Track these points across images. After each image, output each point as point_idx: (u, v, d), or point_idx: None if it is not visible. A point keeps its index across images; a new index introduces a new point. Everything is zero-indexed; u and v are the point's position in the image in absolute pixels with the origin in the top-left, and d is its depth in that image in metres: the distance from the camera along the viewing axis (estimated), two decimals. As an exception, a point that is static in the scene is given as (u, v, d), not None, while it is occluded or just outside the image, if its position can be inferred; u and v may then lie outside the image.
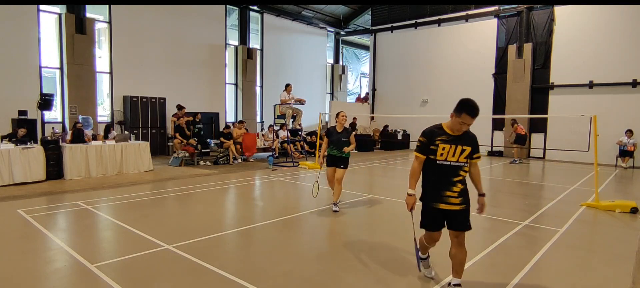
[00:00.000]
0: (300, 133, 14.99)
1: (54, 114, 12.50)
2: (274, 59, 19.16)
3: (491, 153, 17.10)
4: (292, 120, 12.93)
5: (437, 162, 3.40)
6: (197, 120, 12.88)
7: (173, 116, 12.62)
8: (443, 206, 3.43)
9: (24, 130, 9.18)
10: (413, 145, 19.61)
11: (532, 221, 6.23)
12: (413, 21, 19.68)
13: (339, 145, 6.54)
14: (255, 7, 17.97)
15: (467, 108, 3.30)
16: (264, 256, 4.56)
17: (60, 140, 9.57)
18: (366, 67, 26.22)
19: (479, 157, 3.52)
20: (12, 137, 9.15)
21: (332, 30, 22.63)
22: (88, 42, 12.57)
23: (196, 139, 12.42)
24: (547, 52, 15.92)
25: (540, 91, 16.16)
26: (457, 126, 3.35)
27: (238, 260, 4.49)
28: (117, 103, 13.76)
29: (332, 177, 6.63)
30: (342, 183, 6.66)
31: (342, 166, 6.55)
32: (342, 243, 5.06)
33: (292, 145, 14.15)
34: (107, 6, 13.36)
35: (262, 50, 18.61)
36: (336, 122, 6.63)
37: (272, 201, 7.82)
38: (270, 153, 13.95)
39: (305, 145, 15.34)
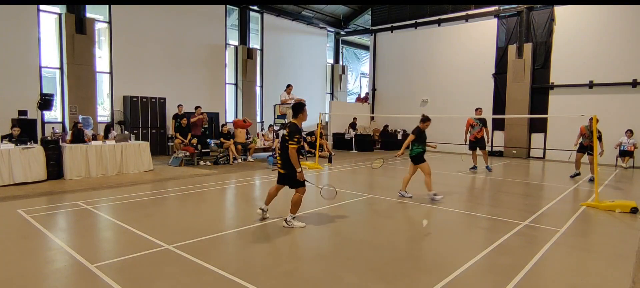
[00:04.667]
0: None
1: (54, 114, 12.50)
2: (274, 59, 19.16)
3: (491, 153, 17.11)
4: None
5: None
6: (205, 125, 12.94)
7: (190, 118, 12.54)
8: None
9: (18, 129, 9.18)
10: (413, 145, 19.63)
11: (532, 221, 6.23)
12: (413, 21, 19.68)
13: (425, 142, 7.82)
14: (255, 7, 17.98)
15: None
16: (264, 256, 4.55)
17: (60, 140, 9.57)
18: (366, 67, 26.22)
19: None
20: (11, 137, 9.15)
21: (332, 30, 22.63)
22: (88, 42, 12.58)
23: (196, 139, 12.42)
24: (547, 52, 15.92)
25: (540, 91, 16.16)
26: None
27: (238, 260, 4.49)
28: (117, 103, 13.76)
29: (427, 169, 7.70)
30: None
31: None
32: (342, 243, 5.06)
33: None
34: (107, 6, 13.36)
35: (262, 50, 18.62)
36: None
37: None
38: (271, 153, 13.94)
39: (305, 144, 15.33)
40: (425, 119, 7.80)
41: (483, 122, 11.89)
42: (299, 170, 5.48)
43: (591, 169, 10.50)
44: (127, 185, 8.75)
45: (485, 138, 11.99)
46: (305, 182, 5.66)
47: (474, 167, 12.05)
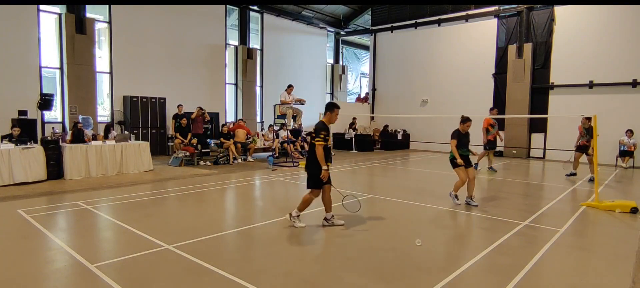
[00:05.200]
0: (301, 133, 15.00)
1: (54, 114, 12.50)
2: (274, 59, 19.16)
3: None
4: (292, 120, 12.93)
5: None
6: (206, 119, 12.97)
7: (189, 116, 12.57)
8: None
9: (18, 129, 9.18)
10: (413, 144, 19.72)
11: (532, 221, 6.23)
12: (413, 21, 19.68)
13: (468, 145, 7.34)
14: (255, 7, 17.97)
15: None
16: (264, 256, 4.56)
17: (60, 140, 9.57)
18: (366, 67, 26.22)
19: None
20: (11, 137, 9.16)
21: (332, 30, 22.62)
22: (88, 42, 12.57)
23: (196, 139, 12.43)
24: (547, 52, 15.92)
25: (540, 91, 16.16)
26: None
27: (238, 260, 4.49)
28: (117, 103, 13.76)
29: (468, 174, 7.16)
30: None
31: (472, 164, 7.39)
32: (342, 243, 5.06)
33: (292, 145, 14.14)
34: (107, 6, 13.36)
35: (262, 50, 18.61)
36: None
37: (272, 201, 7.82)
38: (270, 153, 13.95)
39: (305, 145, 15.34)
40: (465, 120, 7.18)
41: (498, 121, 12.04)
42: (324, 168, 5.36)
43: (590, 169, 10.49)
44: (127, 185, 8.75)
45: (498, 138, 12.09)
46: (331, 185, 5.60)
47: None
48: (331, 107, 5.62)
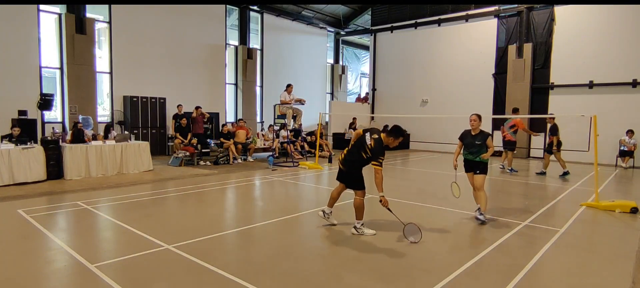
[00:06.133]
0: (301, 133, 15.01)
1: (54, 114, 12.50)
2: (274, 59, 19.16)
3: (492, 153, 17.08)
4: (292, 120, 12.93)
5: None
6: (206, 119, 13.01)
7: (189, 116, 12.61)
8: None
9: (18, 129, 9.18)
10: (413, 145, 19.72)
11: (532, 221, 6.23)
12: (413, 21, 19.68)
13: (473, 148, 6.29)
14: (255, 7, 17.98)
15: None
16: (264, 256, 4.56)
17: (60, 140, 9.57)
18: (366, 67, 26.22)
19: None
20: (11, 137, 9.16)
21: (332, 30, 22.63)
22: (88, 42, 12.57)
23: (196, 139, 12.43)
24: (547, 52, 15.92)
25: (540, 91, 16.16)
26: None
27: (238, 260, 4.49)
28: (117, 103, 13.76)
29: (472, 182, 6.37)
30: (483, 189, 6.25)
31: (478, 171, 6.27)
32: (342, 243, 5.06)
33: (292, 145, 14.14)
34: (107, 6, 13.36)
35: (262, 50, 18.62)
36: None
37: (272, 201, 7.82)
38: (270, 153, 13.95)
39: (305, 145, 15.34)
40: (470, 116, 6.40)
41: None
42: (381, 193, 5.19)
43: (545, 166, 11.56)
44: (127, 185, 8.75)
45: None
46: (389, 210, 5.35)
47: (512, 170, 12.28)
48: (397, 134, 5.35)
